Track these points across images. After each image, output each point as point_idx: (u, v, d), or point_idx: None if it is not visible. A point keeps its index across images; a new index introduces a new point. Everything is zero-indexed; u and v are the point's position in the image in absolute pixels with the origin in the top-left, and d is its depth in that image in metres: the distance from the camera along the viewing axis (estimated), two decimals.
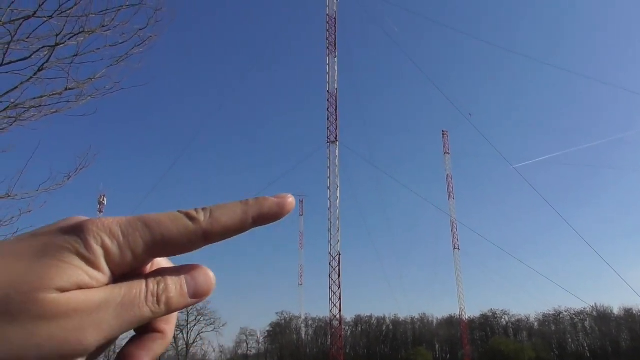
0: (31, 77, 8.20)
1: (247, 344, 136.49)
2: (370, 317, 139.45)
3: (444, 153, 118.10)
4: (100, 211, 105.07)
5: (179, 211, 0.59)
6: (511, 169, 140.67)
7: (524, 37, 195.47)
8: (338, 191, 63.81)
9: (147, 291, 0.53)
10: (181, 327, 44.81)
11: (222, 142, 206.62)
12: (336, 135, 65.16)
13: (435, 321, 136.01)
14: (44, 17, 7.51)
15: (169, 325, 0.62)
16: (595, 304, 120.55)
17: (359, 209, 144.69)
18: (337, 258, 60.96)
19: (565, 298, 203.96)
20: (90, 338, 0.48)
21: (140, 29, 8.85)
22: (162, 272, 0.58)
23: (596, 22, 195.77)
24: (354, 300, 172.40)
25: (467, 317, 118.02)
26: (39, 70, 8.16)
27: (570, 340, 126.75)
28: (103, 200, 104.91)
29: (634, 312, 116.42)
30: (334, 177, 64.17)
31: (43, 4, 7.41)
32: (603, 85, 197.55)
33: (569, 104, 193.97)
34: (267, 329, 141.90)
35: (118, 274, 0.52)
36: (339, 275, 60.44)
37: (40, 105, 8.77)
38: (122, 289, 0.51)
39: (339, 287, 60.36)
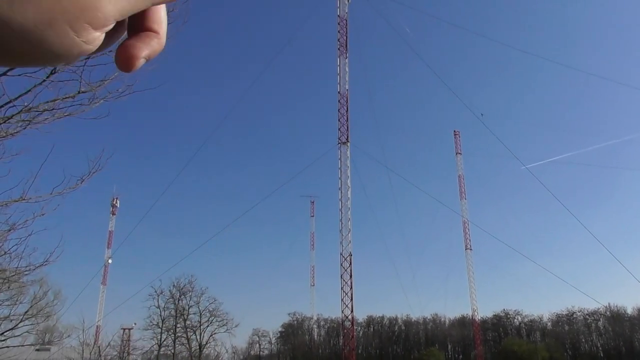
0: (44, 80, 8.27)
1: (259, 345, 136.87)
2: (382, 317, 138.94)
3: (456, 153, 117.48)
4: (113, 214, 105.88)
5: None
6: (523, 169, 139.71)
7: (537, 36, 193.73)
8: (349, 192, 63.82)
9: None
10: (194, 329, 45.00)
11: (234, 143, 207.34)
12: (347, 136, 65.13)
13: (447, 321, 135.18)
14: None
15: (162, 27, 0.67)
16: (609, 304, 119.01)
17: (370, 209, 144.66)
18: (348, 259, 60.94)
19: (578, 298, 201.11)
20: (107, 6, 0.54)
21: None
22: None
23: (611, 22, 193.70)
24: (365, 300, 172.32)
25: (479, 318, 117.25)
26: (52, 73, 8.23)
27: (583, 340, 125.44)
28: (116, 203, 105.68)
29: None
30: (345, 178, 64.16)
31: None
32: (617, 85, 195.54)
33: (582, 104, 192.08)
34: (280, 329, 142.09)
35: None
36: (351, 276, 60.45)
37: (53, 109, 8.85)
38: None
39: (351, 288, 60.35)
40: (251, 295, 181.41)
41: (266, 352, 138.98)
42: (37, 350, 49.15)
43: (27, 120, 8.70)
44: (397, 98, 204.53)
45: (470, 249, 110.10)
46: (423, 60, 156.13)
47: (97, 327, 60.33)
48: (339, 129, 65.76)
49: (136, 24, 0.64)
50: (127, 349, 47.66)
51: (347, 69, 67.51)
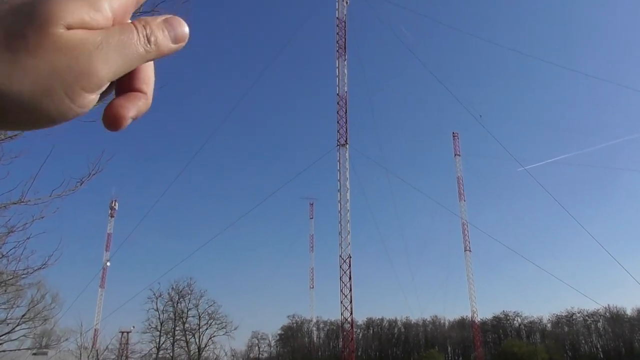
0: None
1: (259, 348, 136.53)
2: (382, 319, 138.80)
3: (455, 155, 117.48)
4: (112, 216, 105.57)
5: None
6: (522, 170, 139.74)
7: (537, 38, 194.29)
8: (348, 194, 63.68)
9: (137, 33, 0.60)
10: (193, 332, 44.78)
11: (233, 145, 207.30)
12: (346, 138, 65.02)
13: (447, 323, 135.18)
14: None
15: (149, 87, 0.68)
16: (608, 305, 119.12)
17: (369, 211, 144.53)
18: (347, 261, 60.77)
19: (578, 299, 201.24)
20: (101, 70, 0.56)
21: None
22: (144, 20, 0.63)
23: (610, 23, 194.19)
24: (365, 302, 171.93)
25: (479, 319, 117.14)
26: None
27: (583, 341, 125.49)
28: (115, 205, 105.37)
29: None
30: (344, 180, 64.04)
31: None
32: (616, 86, 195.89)
33: (581, 105, 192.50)
34: (279, 332, 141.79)
35: (116, 21, 0.60)
36: (350, 278, 60.28)
37: None
38: (115, 31, 0.59)
39: (350, 290, 60.18)
40: (250, 297, 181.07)
41: (265, 354, 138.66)
42: (34, 354, 48.81)
43: None
44: (396, 100, 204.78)
45: (470, 251, 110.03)
46: (421, 61, 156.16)
47: (95, 330, 60.04)
48: (337, 131, 65.72)
49: (124, 82, 0.65)
50: (125, 352, 47.42)
51: (345, 71, 67.47)
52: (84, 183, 9.95)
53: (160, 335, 42.54)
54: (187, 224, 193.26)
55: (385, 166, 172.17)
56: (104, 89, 0.59)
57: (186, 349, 43.92)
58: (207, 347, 45.46)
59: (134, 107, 0.65)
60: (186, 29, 0.67)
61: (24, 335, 37.43)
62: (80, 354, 40.67)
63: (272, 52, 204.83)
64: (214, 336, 45.83)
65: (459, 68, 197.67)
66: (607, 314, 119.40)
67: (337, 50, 68.24)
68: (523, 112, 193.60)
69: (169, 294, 44.07)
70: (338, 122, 66.09)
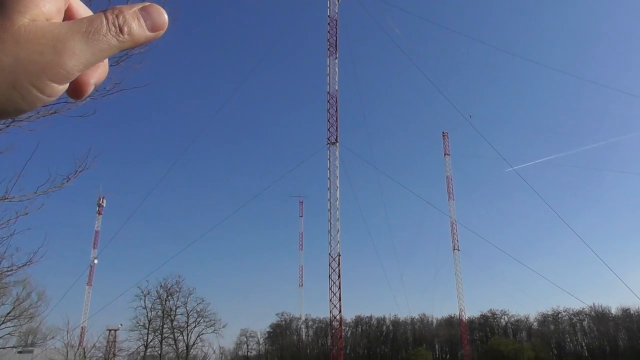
0: None
1: (247, 345, 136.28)
2: (371, 317, 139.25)
3: (444, 154, 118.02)
4: (100, 213, 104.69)
5: None
6: (511, 170, 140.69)
7: (524, 39, 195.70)
8: (338, 192, 63.69)
9: (107, 22, 0.59)
10: (181, 329, 44.56)
11: (222, 143, 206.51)
12: (336, 137, 65.02)
13: (435, 322, 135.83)
14: None
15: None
16: (594, 304, 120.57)
17: (359, 210, 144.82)
18: (337, 259, 60.83)
19: (564, 298, 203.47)
20: (68, 62, 0.55)
21: None
22: (118, 9, 0.62)
23: (597, 26, 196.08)
24: (354, 301, 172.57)
25: (466, 318, 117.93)
26: None
27: (568, 340, 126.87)
28: (102, 202, 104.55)
29: (632, 312, 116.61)
30: (334, 178, 64.03)
31: None
32: (603, 88, 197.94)
33: (569, 107, 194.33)
34: (268, 330, 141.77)
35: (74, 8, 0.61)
36: (339, 276, 60.32)
37: None
38: (83, 21, 0.59)
39: (339, 288, 60.25)
40: (239, 295, 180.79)
41: (254, 352, 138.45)
42: (20, 352, 48.26)
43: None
44: (387, 99, 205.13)
45: (458, 250, 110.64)
46: (412, 61, 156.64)
47: (82, 328, 59.53)
48: (328, 129, 65.66)
49: None
50: (112, 350, 47.11)
51: (336, 69, 67.35)
52: (70, 180, 9.84)
53: (148, 333, 42.35)
54: (176, 222, 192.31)
55: (375, 165, 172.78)
56: (73, 78, 0.58)
57: (174, 346, 43.71)
58: (196, 345, 45.41)
59: (94, 73, 0.65)
60: (164, 17, 0.66)
61: (9, 334, 37.06)
62: (67, 352, 40.31)
63: (262, 50, 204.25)
64: (202, 334, 45.78)
65: (450, 68, 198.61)
66: (593, 312, 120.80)
67: (328, 49, 68.15)
68: (513, 113, 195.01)
69: (157, 291, 43.93)
70: (328, 120, 66.09)
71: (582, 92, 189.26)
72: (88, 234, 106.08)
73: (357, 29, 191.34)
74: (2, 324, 30.03)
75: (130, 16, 0.61)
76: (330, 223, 62.51)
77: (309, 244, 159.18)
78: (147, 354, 42.44)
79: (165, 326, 43.17)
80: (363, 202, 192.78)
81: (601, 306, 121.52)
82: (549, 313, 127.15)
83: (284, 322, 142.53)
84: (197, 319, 45.38)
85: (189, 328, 44.91)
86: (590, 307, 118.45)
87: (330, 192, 63.84)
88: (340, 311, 61.05)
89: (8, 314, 31.55)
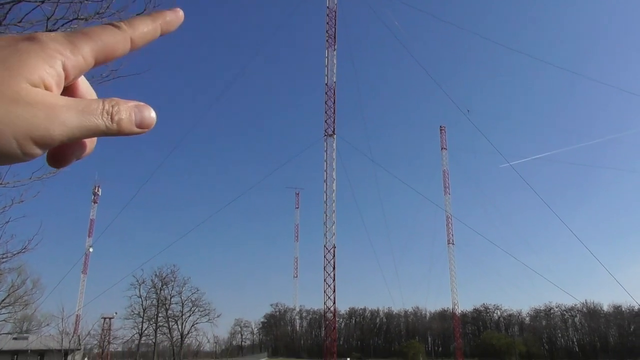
0: None
1: (241, 335, 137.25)
2: (364, 309, 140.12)
3: (441, 148, 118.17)
4: (95, 202, 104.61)
5: (105, 23, 0.69)
6: (507, 166, 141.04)
7: (524, 35, 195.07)
8: (334, 184, 63.82)
9: (103, 108, 0.63)
10: (176, 318, 44.78)
11: (219, 133, 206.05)
12: (334, 129, 65.06)
13: (428, 315, 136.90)
14: (36, 1, 7.35)
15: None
16: (586, 300, 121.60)
17: (355, 202, 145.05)
18: (332, 251, 61.11)
19: (556, 294, 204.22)
20: (57, 130, 0.58)
21: (137, 14, 8.71)
22: (116, 100, 0.66)
23: (597, 23, 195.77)
24: (348, 293, 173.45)
25: (459, 311, 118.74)
26: None
27: (560, 335, 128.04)
28: (98, 190, 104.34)
29: (623, 309, 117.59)
30: (331, 170, 64.13)
31: None
32: (601, 85, 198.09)
33: (567, 103, 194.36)
34: (262, 320, 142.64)
35: (72, 78, 0.64)
36: (334, 268, 60.63)
37: None
38: (83, 101, 0.63)
39: (334, 280, 60.57)
40: (234, 286, 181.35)
41: (248, 342, 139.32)
42: (15, 339, 48.49)
43: None
44: (385, 92, 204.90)
45: (453, 244, 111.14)
46: (411, 54, 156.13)
47: (77, 316, 59.76)
48: (325, 121, 65.65)
49: None
50: (107, 338, 47.37)
51: (335, 61, 67.26)
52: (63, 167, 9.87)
53: (142, 322, 42.50)
54: (172, 212, 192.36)
55: (372, 158, 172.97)
56: (54, 145, 0.60)
57: (169, 335, 43.99)
58: (190, 334, 45.63)
59: (77, 149, 0.68)
60: (153, 118, 0.70)
61: (4, 320, 37.23)
62: (62, 339, 40.52)
63: (260, 41, 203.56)
64: (196, 323, 45.98)
65: (449, 62, 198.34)
66: (584, 309, 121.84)
67: (327, 40, 67.97)
68: (511, 108, 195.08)
69: (152, 280, 44.05)
70: (326, 112, 66.06)
71: (580, 88, 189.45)
72: (83, 222, 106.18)
73: (356, 21, 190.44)
74: None
75: (124, 110, 0.66)
76: (326, 215, 62.75)
77: (304, 236, 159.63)
78: (142, 342, 42.72)
79: (159, 315, 43.41)
80: (359, 194, 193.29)
81: (593, 303, 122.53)
82: (542, 308, 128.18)
83: (278, 313, 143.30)
84: (192, 308, 45.66)
85: (183, 317, 45.18)
86: (582, 303, 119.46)
87: (326, 184, 64.04)
88: (334, 303, 61.46)
89: (3, 300, 31.68)
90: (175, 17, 0.74)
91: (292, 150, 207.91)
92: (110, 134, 0.64)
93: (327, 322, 66.45)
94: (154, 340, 42.73)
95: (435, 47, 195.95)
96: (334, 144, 64.72)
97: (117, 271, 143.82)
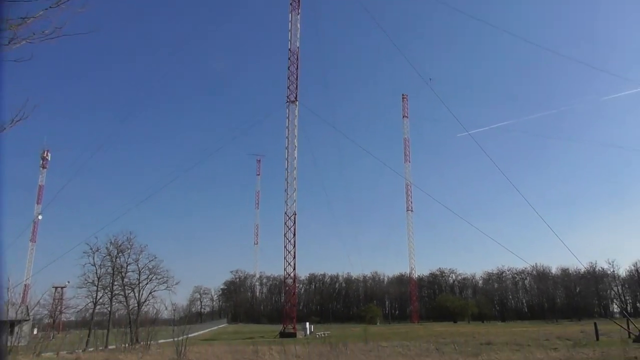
0: None
1: (200, 302, 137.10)
2: (324, 275, 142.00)
3: (403, 117, 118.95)
4: (44, 167, 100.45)
5: None
6: (466, 134, 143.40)
7: (485, 4, 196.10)
8: (296, 151, 63.25)
9: None
10: (132, 286, 43.87)
11: (177, 97, 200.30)
12: (296, 95, 64.01)
13: (386, 279, 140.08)
14: None
15: None
16: (536, 264, 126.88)
17: (316, 169, 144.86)
18: (292, 218, 61.02)
19: (508, 258, 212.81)
20: None
21: None
22: None
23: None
24: (308, 259, 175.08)
25: (416, 276, 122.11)
26: None
27: (510, 297, 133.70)
28: (47, 155, 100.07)
29: (570, 272, 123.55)
30: (293, 137, 63.41)
31: None
32: (558, 57, 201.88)
33: (525, 74, 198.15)
34: (222, 287, 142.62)
35: None
36: (294, 235, 60.69)
37: None
38: None
39: (294, 246, 60.71)
40: (194, 253, 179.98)
41: (208, 309, 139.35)
42: None
43: None
44: (348, 59, 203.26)
45: (412, 211, 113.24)
46: (376, 21, 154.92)
47: (25, 285, 57.91)
48: (288, 87, 64.52)
49: None
50: (59, 307, 46.12)
51: (298, 25, 65.67)
52: (6, 129, 9.04)
53: (97, 290, 41.36)
54: (128, 179, 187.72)
55: (334, 125, 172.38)
56: None
57: (125, 303, 43.03)
58: (147, 302, 44.82)
59: None
60: None
61: None
62: (7, 310, 39.04)
63: (220, 2, 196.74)
64: (154, 291, 45.13)
65: (413, 30, 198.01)
66: (534, 272, 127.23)
67: (291, 4, 66.21)
68: (471, 78, 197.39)
69: (107, 248, 42.66)
70: (289, 78, 64.84)
71: (538, 60, 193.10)
72: (31, 189, 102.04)
73: None
74: None
75: None
76: (287, 182, 62.33)
77: (265, 203, 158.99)
78: (97, 310, 41.70)
79: (115, 283, 42.35)
80: (321, 161, 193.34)
81: (542, 266, 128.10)
82: (494, 272, 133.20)
83: (238, 280, 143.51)
84: (149, 276, 44.71)
85: (140, 285, 44.23)
86: (533, 266, 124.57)
87: (288, 151, 63.39)
88: (294, 269, 61.74)
89: None
90: None
91: (254, 117, 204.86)
92: None
93: (287, 288, 66.92)
94: (109, 309, 41.75)
95: (399, 14, 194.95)
96: (296, 111, 63.92)
97: (69, 239, 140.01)
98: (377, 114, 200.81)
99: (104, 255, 42.31)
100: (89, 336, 37.74)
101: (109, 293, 41.72)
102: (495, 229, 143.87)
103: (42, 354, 28.87)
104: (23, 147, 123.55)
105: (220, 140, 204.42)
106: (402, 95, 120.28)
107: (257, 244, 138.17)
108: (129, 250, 43.48)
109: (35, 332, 45.39)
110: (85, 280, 40.90)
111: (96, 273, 41.34)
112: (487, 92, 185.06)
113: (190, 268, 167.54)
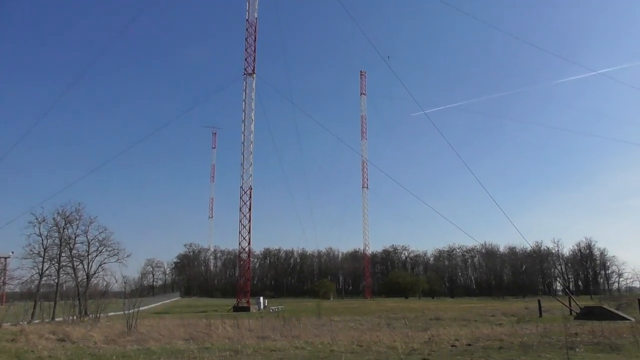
0: None
1: (153, 275, 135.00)
2: (279, 250, 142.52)
3: (360, 94, 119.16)
4: None
5: None
6: (422, 114, 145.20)
7: None
8: (253, 125, 62.49)
9: None
10: (81, 258, 42.54)
11: (130, 64, 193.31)
12: (254, 67, 62.94)
13: (340, 255, 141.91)
14: None
15: None
16: (485, 242, 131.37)
17: (273, 144, 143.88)
18: (248, 192, 60.54)
19: (459, 236, 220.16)
20: None
21: None
22: None
23: None
24: (263, 233, 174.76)
25: (370, 252, 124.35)
26: None
27: (460, 274, 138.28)
28: None
29: (517, 250, 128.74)
30: (249, 111, 62.55)
31: None
32: (514, 40, 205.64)
33: (481, 55, 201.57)
34: (175, 260, 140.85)
35: None
36: (250, 209, 60.34)
37: None
38: None
39: (249, 221, 60.43)
40: (146, 226, 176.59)
41: (160, 282, 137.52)
42: None
43: None
44: (307, 33, 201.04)
45: (367, 188, 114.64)
46: None
47: None
48: (245, 59, 63.32)
49: None
50: (2, 278, 44.37)
51: None
52: None
53: (43, 262, 39.86)
54: (76, 147, 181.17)
55: (291, 100, 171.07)
56: None
57: (73, 275, 41.69)
58: (97, 274, 43.57)
59: None
60: None
61: None
62: None
63: None
64: (104, 263, 43.90)
65: (372, 7, 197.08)
66: (483, 250, 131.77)
67: None
68: (428, 57, 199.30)
69: (54, 219, 41.03)
70: (246, 49, 63.57)
71: (495, 41, 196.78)
72: None
73: None
74: None
75: None
76: (243, 156, 61.66)
77: (220, 176, 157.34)
78: (43, 282, 40.28)
79: (63, 255, 40.91)
80: (277, 136, 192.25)
81: (491, 244, 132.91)
82: (445, 249, 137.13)
83: (192, 253, 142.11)
84: (99, 248, 43.41)
85: (89, 257, 42.94)
86: (482, 245, 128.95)
87: (244, 125, 62.49)
88: (249, 243, 61.57)
89: None
90: None
91: (210, 88, 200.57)
92: None
93: (242, 263, 66.78)
94: (56, 281, 40.41)
95: None
96: (254, 84, 62.94)
97: (13, 209, 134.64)
98: (335, 90, 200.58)
99: (50, 225, 40.73)
100: (34, 308, 36.48)
101: (56, 265, 40.31)
102: (448, 207, 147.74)
103: None
104: None
105: (176, 111, 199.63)
106: (361, 72, 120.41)
107: (212, 217, 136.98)
108: (77, 222, 42.00)
109: None
110: (31, 251, 39.31)
111: (42, 244, 39.78)
112: (443, 72, 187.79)
113: (143, 241, 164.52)
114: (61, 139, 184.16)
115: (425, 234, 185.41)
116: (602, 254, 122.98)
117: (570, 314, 34.42)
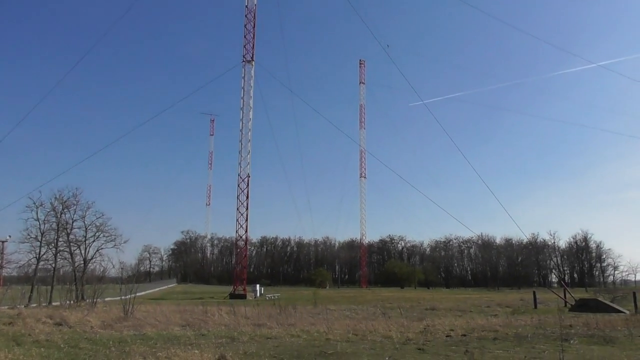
0: None
1: (150, 261, 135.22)
2: (276, 238, 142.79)
3: (359, 82, 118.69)
4: None
5: None
6: (420, 103, 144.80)
7: None
8: (251, 112, 62.32)
9: None
10: (78, 243, 42.59)
11: (130, 49, 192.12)
12: (252, 55, 62.63)
13: (337, 244, 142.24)
14: None
15: None
16: (481, 233, 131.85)
17: (271, 131, 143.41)
18: (246, 180, 60.56)
19: (456, 227, 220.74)
20: None
21: None
22: None
23: None
24: (261, 221, 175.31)
25: (367, 242, 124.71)
26: None
27: (456, 264, 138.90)
28: None
29: (513, 242, 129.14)
30: (248, 98, 62.31)
31: None
32: (511, 31, 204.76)
33: (481, 45, 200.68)
34: (172, 247, 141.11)
35: None
36: (247, 197, 60.36)
37: None
38: None
39: (247, 209, 60.47)
40: (143, 211, 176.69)
41: (157, 268, 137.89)
42: None
43: None
44: (306, 21, 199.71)
45: (365, 177, 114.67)
46: None
47: None
48: (244, 46, 62.95)
49: None
50: (0, 262, 44.40)
51: None
52: None
53: (40, 246, 39.90)
54: (76, 130, 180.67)
55: (290, 88, 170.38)
56: None
57: (70, 260, 41.78)
58: (94, 259, 43.66)
59: None
60: None
61: None
62: None
63: None
64: (101, 248, 43.97)
65: None
66: (480, 241, 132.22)
67: None
68: (428, 47, 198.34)
69: (51, 203, 41.00)
70: (245, 36, 63.15)
71: (492, 32, 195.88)
72: None
73: None
74: None
75: None
76: (241, 143, 61.57)
77: (218, 163, 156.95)
78: (40, 267, 40.34)
79: (60, 239, 40.94)
80: (275, 123, 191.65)
81: (487, 236, 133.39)
82: (442, 240, 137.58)
83: (189, 240, 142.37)
84: (96, 234, 43.45)
85: (86, 242, 43.00)
86: (478, 236, 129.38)
87: (243, 112, 62.34)
88: (246, 231, 61.69)
89: None
90: None
91: (209, 74, 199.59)
92: None
93: (239, 250, 66.95)
94: (53, 265, 40.47)
95: None
96: (252, 71, 62.65)
97: (10, 192, 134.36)
98: (334, 78, 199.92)
99: (48, 210, 40.73)
100: (31, 292, 36.57)
101: (54, 249, 40.36)
102: (445, 198, 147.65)
103: None
104: None
105: (175, 98, 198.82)
106: (360, 60, 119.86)
107: (209, 204, 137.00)
108: (74, 207, 42.00)
109: None
110: (28, 235, 39.34)
111: (40, 228, 39.82)
112: (443, 62, 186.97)
113: (140, 227, 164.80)
114: (59, 123, 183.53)
115: (422, 224, 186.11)
116: (598, 246, 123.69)
117: (565, 305, 34.64)
